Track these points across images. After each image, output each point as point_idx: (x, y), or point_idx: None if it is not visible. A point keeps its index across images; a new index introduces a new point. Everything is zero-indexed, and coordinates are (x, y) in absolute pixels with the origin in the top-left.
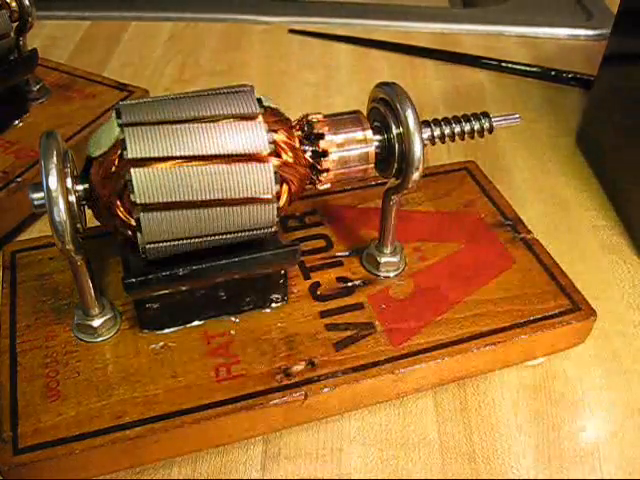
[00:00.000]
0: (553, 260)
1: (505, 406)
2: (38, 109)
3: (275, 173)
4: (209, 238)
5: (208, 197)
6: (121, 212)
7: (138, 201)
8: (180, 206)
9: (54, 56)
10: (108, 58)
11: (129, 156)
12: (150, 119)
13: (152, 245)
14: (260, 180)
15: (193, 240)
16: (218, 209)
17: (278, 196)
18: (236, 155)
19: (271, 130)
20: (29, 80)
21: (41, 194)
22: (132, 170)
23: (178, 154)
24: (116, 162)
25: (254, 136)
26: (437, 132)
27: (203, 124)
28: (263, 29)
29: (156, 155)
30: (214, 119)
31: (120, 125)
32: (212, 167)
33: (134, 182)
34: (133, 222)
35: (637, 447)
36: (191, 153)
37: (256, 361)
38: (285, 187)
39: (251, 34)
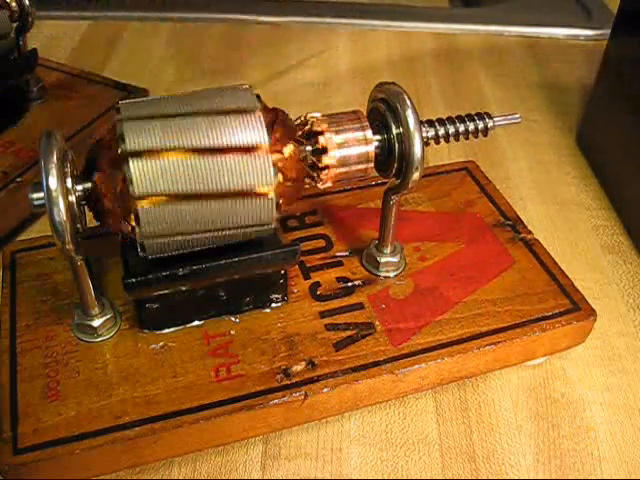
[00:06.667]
0: (553, 260)
1: (505, 406)
2: (38, 109)
3: (274, 166)
4: (208, 234)
5: (206, 189)
6: (120, 208)
7: (137, 192)
8: (179, 198)
9: (54, 56)
10: (108, 58)
11: (127, 148)
12: (148, 113)
13: (150, 240)
14: (258, 172)
15: (192, 236)
16: (216, 202)
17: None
18: (235, 147)
19: (269, 125)
20: (29, 80)
21: (41, 194)
22: (130, 161)
23: (177, 146)
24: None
25: (253, 128)
26: (437, 132)
27: (202, 117)
28: (263, 29)
29: (155, 147)
30: (213, 112)
31: (119, 120)
32: (211, 159)
33: (132, 173)
34: (132, 219)
35: (637, 447)
36: (190, 145)
37: (256, 361)
38: (282, 179)
39: (251, 34)
